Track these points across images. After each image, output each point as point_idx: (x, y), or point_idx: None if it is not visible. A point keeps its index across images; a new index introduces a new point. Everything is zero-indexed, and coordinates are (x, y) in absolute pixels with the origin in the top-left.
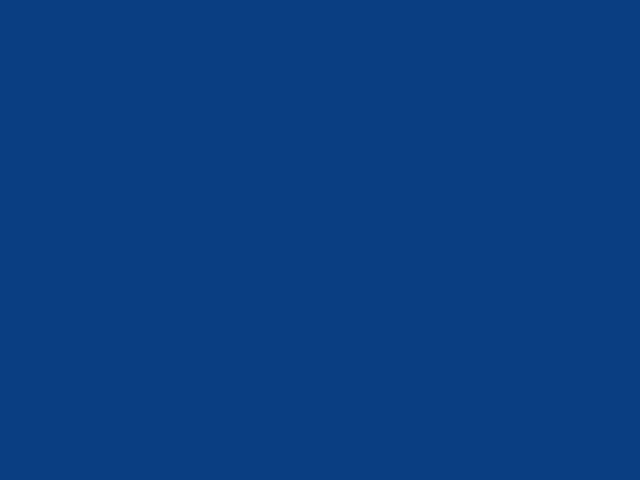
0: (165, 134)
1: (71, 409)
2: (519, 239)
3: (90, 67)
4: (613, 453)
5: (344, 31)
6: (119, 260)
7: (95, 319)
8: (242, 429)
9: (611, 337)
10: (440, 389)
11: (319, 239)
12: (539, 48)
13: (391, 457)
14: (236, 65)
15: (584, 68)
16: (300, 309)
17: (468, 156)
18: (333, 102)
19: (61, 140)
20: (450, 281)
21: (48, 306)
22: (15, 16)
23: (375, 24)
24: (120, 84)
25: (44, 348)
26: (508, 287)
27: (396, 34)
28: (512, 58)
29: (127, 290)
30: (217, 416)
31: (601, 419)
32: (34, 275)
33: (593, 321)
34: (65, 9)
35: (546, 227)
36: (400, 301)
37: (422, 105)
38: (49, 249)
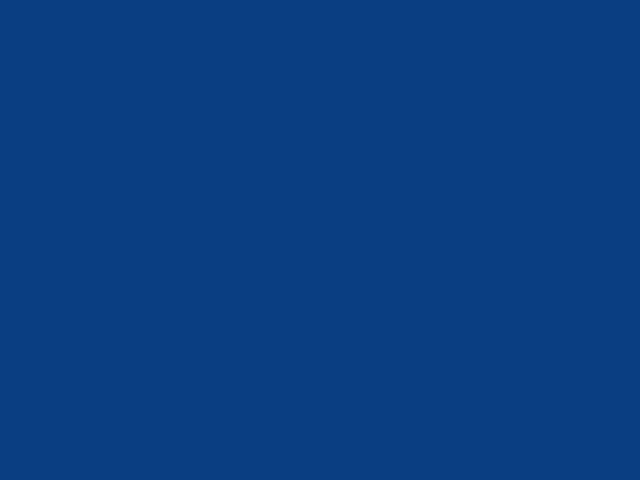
0: (165, 134)
1: (71, 409)
2: (519, 239)
3: (90, 67)
4: (613, 453)
5: (344, 31)
6: (119, 260)
7: (95, 319)
8: (242, 429)
9: (611, 337)
10: (440, 389)
11: (319, 239)
12: (539, 48)
13: (391, 457)
14: (236, 65)
15: (584, 68)
16: (300, 309)
17: (468, 156)
18: (333, 102)
19: (61, 140)
20: (450, 281)
21: (48, 306)
22: (15, 16)
23: (375, 24)
24: (120, 84)
25: (44, 348)
26: (508, 287)
27: (396, 34)
28: (512, 58)
29: (127, 290)
30: (217, 416)
31: (601, 419)
32: (34, 275)
33: (593, 321)
34: (65, 9)
35: (546, 227)
36: (400, 301)
37: (422, 105)
38: (49, 249)
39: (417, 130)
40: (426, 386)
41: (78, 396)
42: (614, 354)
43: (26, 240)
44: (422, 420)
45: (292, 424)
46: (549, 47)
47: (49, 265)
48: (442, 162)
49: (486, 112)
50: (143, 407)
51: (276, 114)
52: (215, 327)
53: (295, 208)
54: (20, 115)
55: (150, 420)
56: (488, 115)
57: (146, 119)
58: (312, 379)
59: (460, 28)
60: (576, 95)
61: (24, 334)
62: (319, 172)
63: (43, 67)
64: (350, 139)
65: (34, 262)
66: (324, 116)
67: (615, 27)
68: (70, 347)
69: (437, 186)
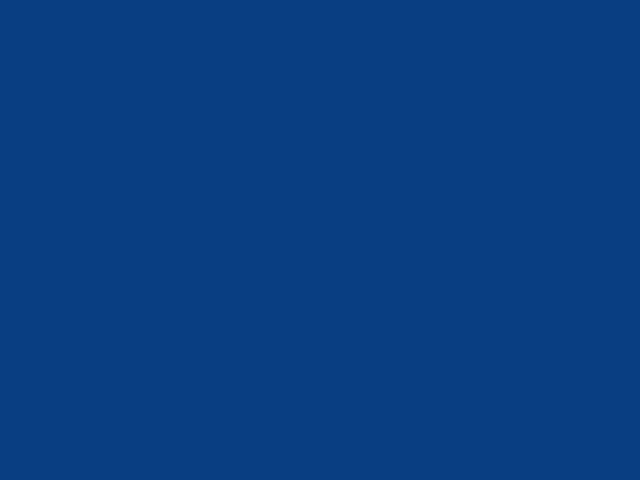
0: (165, 134)
1: (71, 409)
2: (519, 239)
3: (90, 67)
4: (613, 453)
5: (344, 31)
6: (119, 260)
7: (95, 319)
8: (242, 429)
9: (611, 337)
10: (440, 389)
11: (319, 239)
12: (539, 48)
13: (391, 457)
14: (236, 65)
15: (584, 68)
16: (300, 309)
17: (468, 156)
18: (333, 102)
19: (61, 140)
20: (450, 281)
21: (48, 306)
22: (15, 16)
23: (375, 24)
24: (120, 84)
25: (44, 348)
26: (508, 287)
27: (396, 34)
28: (512, 58)
29: (127, 290)
30: (217, 416)
31: (601, 419)
32: (34, 275)
33: (593, 321)
34: (65, 9)
35: (546, 227)
36: (400, 301)
37: (422, 105)
38: (49, 249)
39: (417, 130)
40: (426, 386)
41: (78, 396)
42: (614, 354)
43: (26, 240)
44: (422, 420)
45: (292, 424)
46: (549, 47)
47: (49, 265)
48: (442, 162)
49: (486, 112)
50: (143, 407)
51: (276, 114)
52: (215, 327)
53: (295, 208)
54: (20, 115)
55: (150, 420)
56: (488, 115)
57: (146, 119)
58: (312, 379)
59: (460, 28)
60: (576, 95)
61: (24, 334)
62: (319, 172)
63: (43, 67)
64: (350, 139)
65: (34, 262)
66: (324, 116)
67: (615, 27)
68: (70, 347)
69: (437, 186)
